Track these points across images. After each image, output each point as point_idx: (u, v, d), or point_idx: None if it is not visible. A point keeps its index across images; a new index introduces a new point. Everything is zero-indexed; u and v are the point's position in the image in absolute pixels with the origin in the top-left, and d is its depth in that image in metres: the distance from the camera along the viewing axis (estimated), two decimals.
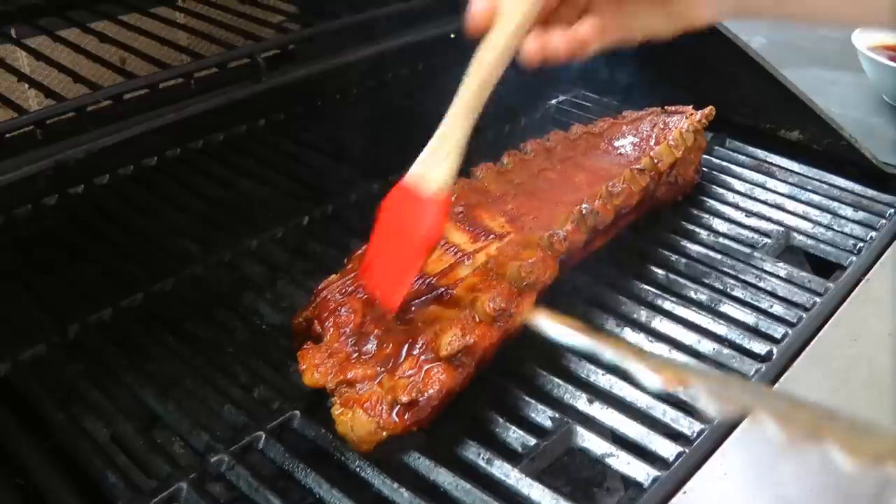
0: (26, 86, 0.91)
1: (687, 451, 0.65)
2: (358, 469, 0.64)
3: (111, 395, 0.72)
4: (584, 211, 0.80)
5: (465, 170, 0.90)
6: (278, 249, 0.91)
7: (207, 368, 0.75)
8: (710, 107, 1.01)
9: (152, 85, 0.75)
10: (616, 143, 1.00)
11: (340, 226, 0.96)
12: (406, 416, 0.63)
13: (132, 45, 0.89)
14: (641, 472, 0.63)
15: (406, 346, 0.68)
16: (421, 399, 0.63)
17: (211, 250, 0.90)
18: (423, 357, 0.66)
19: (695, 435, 0.66)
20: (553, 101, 1.28)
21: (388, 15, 0.97)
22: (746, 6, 0.62)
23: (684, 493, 0.60)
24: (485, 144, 1.14)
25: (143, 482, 0.64)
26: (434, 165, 0.65)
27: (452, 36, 0.99)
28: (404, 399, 0.63)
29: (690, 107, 1.03)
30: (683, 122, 0.99)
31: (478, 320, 0.68)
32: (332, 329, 0.71)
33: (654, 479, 0.62)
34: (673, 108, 1.04)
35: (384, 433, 0.63)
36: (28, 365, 0.76)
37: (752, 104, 1.12)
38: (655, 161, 0.89)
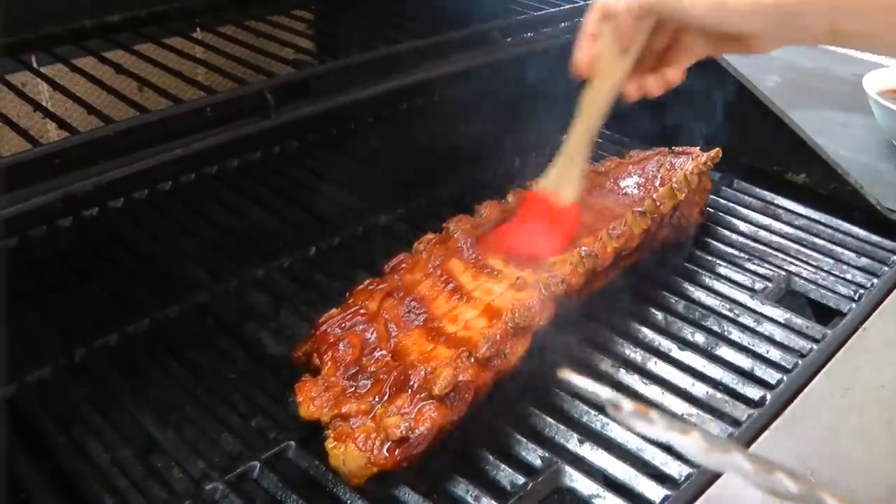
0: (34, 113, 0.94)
1: (673, 494, 0.65)
2: (349, 502, 0.65)
3: (112, 419, 0.74)
4: (582, 253, 0.81)
5: (475, 204, 0.92)
6: (284, 279, 0.93)
7: (207, 396, 0.76)
8: (717, 149, 1.02)
9: (164, 119, 0.77)
10: (621, 183, 1.01)
11: (346, 258, 0.98)
12: (397, 453, 0.64)
13: (148, 77, 0.91)
14: None
15: (400, 382, 0.69)
16: (412, 436, 0.65)
17: (218, 278, 0.92)
18: (417, 396, 0.67)
19: (682, 478, 0.67)
20: (563, 137, 1.29)
21: (403, 52, 0.99)
22: (801, 37, 0.66)
23: None
24: (494, 179, 1.16)
25: None
26: (566, 182, 0.82)
27: None
28: (396, 435, 0.64)
29: (697, 148, 1.04)
30: (689, 163, 1.00)
31: (472, 360, 0.70)
32: (329, 363, 0.73)
33: None
34: (680, 150, 1.05)
35: (375, 468, 0.65)
36: (33, 387, 0.78)
37: (759, 146, 1.13)
38: (658, 203, 0.90)
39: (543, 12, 1.07)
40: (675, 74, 0.74)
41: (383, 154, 1.21)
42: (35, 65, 0.92)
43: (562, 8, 1.08)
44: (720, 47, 0.73)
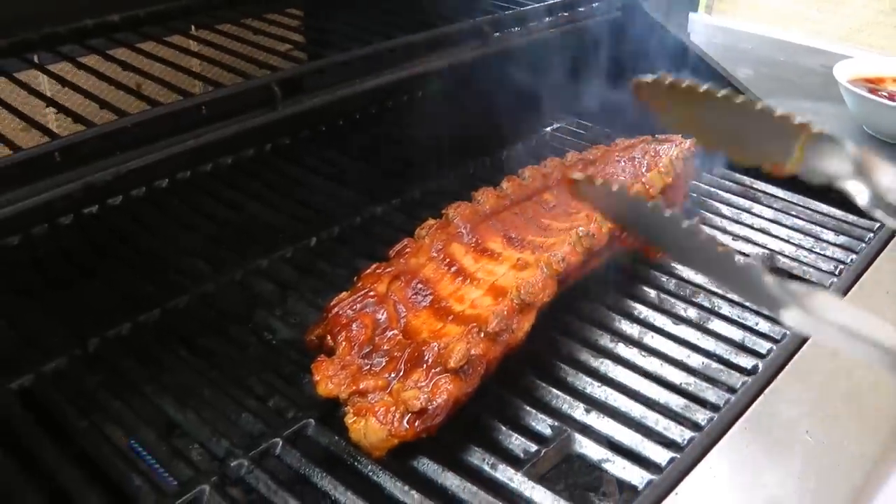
0: (45, 109, 0.95)
1: (678, 456, 0.69)
2: (371, 473, 0.68)
3: (131, 404, 0.76)
4: (580, 233, 0.84)
5: (468, 194, 0.95)
6: (288, 268, 0.96)
7: (223, 380, 0.78)
8: None
9: (174, 113, 0.79)
10: (609, 170, 1.05)
11: (347, 247, 1.00)
12: (416, 424, 0.67)
13: (149, 71, 0.93)
14: (636, 475, 0.68)
15: (415, 358, 0.72)
16: (430, 407, 0.67)
17: (222, 270, 0.94)
18: (432, 370, 0.70)
19: (685, 442, 0.71)
20: (548, 129, 1.33)
21: (392, 48, 1.01)
22: None
23: (676, 494, 0.64)
24: (483, 170, 1.20)
25: (166, 486, 0.67)
26: None
27: None
28: (416, 406, 0.67)
29: (679, 136, 1.08)
30: (673, 149, 1.04)
31: (482, 335, 0.73)
32: (343, 343, 0.75)
33: (648, 483, 0.67)
34: (663, 137, 1.09)
35: (396, 440, 0.67)
36: (50, 377, 0.80)
37: None
38: (647, 187, 0.94)
39: (529, 7, 1.11)
40: None
41: (375, 148, 1.25)
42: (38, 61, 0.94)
43: (544, 3, 1.12)
44: None
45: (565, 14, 1.16)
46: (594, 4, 1.21)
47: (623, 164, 1.06)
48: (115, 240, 1.00)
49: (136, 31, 1.00)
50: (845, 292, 0.89)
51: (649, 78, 0.53)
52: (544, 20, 1.11)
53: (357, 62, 0.97)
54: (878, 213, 0.52)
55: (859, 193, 0.49)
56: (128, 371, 0.80)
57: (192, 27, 1.07)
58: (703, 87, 0.52)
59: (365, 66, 0.98)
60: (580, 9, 1.18)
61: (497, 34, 1.05)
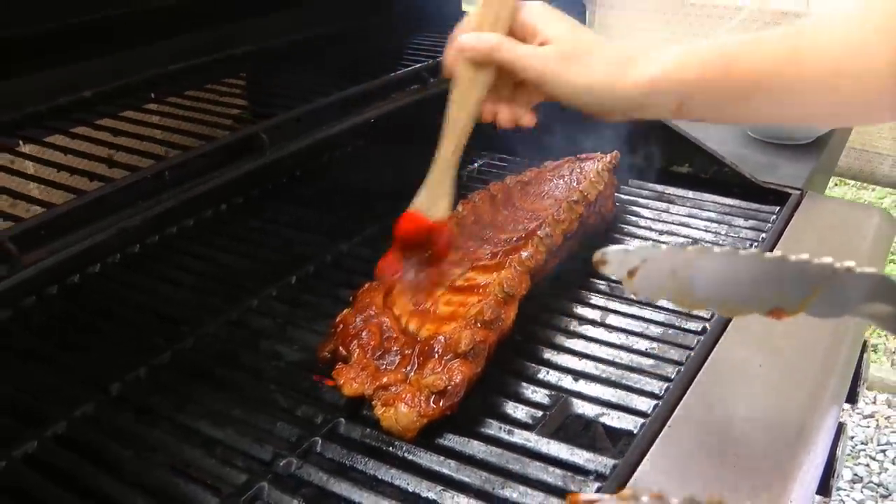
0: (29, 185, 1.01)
1: (659, 403, 0.81)
2: (406, 453, 0.77)
3: (168, 431, 0.82)
4: (542, 235, 0.97)
5: None
6: (277, 304, 1.04)
7: (249, 400, 0.86)
8: (616, 151, 1.22)
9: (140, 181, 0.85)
10: (545, 187, 1.19)
11: (325, 281, 1.10)
12: (441, 403, 0.77)
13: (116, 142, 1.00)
14: (630, 422, 0.80)
15: (426, 352, 0.82)
16: (450, 386, 0.78)
17: (217, 313, 1.01)
18: (444, 358, 0.81)
19: (662, 392, 0.83)
20: (475, 165, 1.47)
21: (334, 102, 1.12)
22: (650, 115, 0.78)
23: (669, 426, 0.77)
24: None
25: (225, 488, 0.74)
26: (435, 199, 0.86)
27: None
28: (440, 386, 0.77)
29: (599, 153, 1.24)
30: (597, 164, 1.20)
31: (480, 325, 0.84)
32: (357, 350, 0.85)
33: (641, 425, 0.79)
34: (585, 156, 1.25)
35: (425, 419, 0.77)
36: (82, 421, 0.85)
37: (644, 147, 1.34)
38: (585, 194, 1.09)
39: None
40: (527, 118, 0.84)
41: (325, 196, 1.35)
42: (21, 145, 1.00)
43: None
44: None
45: None
46: None
47: (556, 181, 1.20)
48: (106, 301, 1.06)
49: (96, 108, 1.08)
50: None
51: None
52: None
53: (305, 117, 1.07)
54: None
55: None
56: (155, 405, 0.86)
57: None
58: None
59: (314, 119, 1.08)
60: None
61: (432, 80, 1.18)
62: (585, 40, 0.77)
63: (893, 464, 2.52)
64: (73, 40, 1.03)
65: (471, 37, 0.80)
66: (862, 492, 2.41)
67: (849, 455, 2.53)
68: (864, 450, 2.56)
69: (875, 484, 2.44)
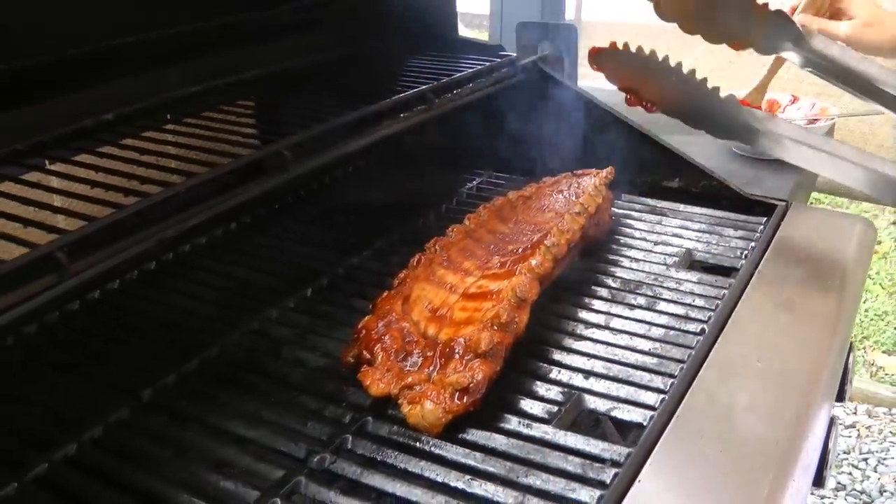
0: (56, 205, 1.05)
1: (666, 397, 0.87)
2: (433, 447, 0.82)
3: (201, 432, 0.87)
4: (548, 244, 1.03)
5: (426, 239, 1.12)
6: (296, 315, 1.09)
7: (277, 402, 0.90)
8: (610, 167, 1.29)
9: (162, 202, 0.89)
10: (545, 201, 1.25)
11: (340, 292, 1.15)
12: (465, 399, 0.82)
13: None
14: (639, 415, 0.85)
15: (447, 353, 0.87)
16: (472, 384, 0.83)
17: (238, 324, 1.06)
18: (465, 358, 0.86)
19: (668, 387, 0.89)
20: (474, 183, 1.53)
21: (350, 121, 1.18)
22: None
23: (677, 416, 0.82)
24: (432, 220, 1.37)
25: (263, 484, 0.79)
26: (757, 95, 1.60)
27: None
28: (463, 383, 0.82)
29: (594, 169, 1.30)
30: (594, 179, 1.26)
31: (496, 327, 0.89)
32: (381, 353, 0.90)
33: (650, 417, 0.84)
34: (581, 172, 1.31)
35: (450, 415, 0.82)
36: (116, 425, 0.89)
37: (636, 163, 1.40)
38: (586, 206, 1.15)
39: (463, 73, 1.31)
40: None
41: (330, 214, 1.40)
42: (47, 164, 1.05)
43: (476, 69, 1.33)
44: None
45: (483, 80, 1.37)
46: (503, 70, 1.42)
47: (555, 195, 1.26)
48: (127, 317, 1.10)
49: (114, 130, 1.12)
50: (756, 266, 1.11)
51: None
52: (478, 80, 1.31)
53: (322, 136, 1.12)
54: (760, 145, 0.94)
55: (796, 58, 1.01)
56: (186, 409, 0.91)
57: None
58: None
59: (331, 138, 1.14)
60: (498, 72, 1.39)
61: (437, 100, 1.24)
62: (879, 13, 1.37)
63: (875, 472, 2.59)
64: (97, 66, 1.09)
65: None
66: (846, 499, 2.48)
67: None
68: (847, 459, 2.63)
69: (858, 491, 2.51)
